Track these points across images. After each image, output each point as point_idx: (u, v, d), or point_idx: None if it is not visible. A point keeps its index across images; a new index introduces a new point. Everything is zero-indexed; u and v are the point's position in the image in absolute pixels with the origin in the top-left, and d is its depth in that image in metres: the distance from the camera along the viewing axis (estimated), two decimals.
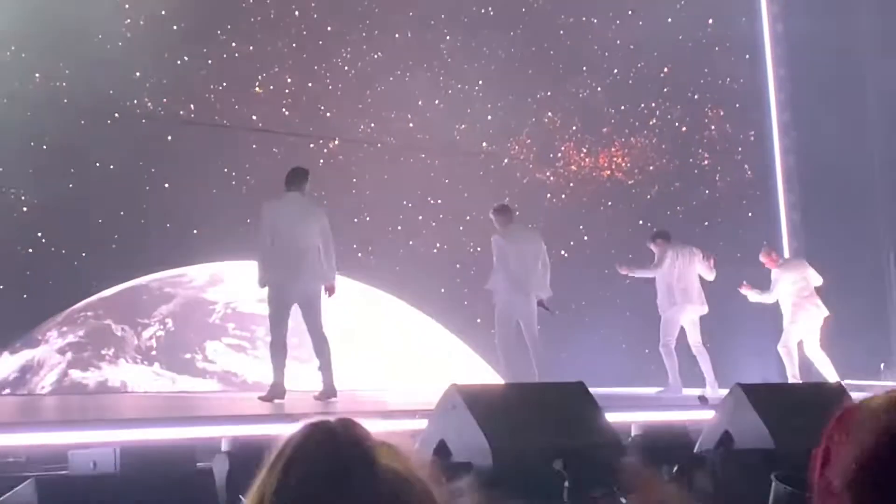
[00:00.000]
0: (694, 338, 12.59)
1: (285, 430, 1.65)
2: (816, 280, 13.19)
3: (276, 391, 9.84)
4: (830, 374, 12.76)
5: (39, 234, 14.06)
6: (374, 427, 1.65)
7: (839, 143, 16.41)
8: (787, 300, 13.16)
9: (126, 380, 14.38)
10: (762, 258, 13.57)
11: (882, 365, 15.83)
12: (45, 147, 14.02)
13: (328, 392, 9.95)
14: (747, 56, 17.67)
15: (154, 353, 14.68)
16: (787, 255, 16.53)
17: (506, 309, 11.56)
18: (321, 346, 10.05)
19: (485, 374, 15.62)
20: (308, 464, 1.59)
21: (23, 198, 14.00)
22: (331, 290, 10.16)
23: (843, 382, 11.23)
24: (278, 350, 9.97)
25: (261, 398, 9.89)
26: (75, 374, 14.33)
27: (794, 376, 12.96)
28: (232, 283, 15.48)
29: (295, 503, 1.56)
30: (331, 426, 1.64)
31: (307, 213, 10.12)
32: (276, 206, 10.08)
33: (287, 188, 10.24)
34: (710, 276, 12.63)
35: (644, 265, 12.89)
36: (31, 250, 13.98)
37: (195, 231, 14.71)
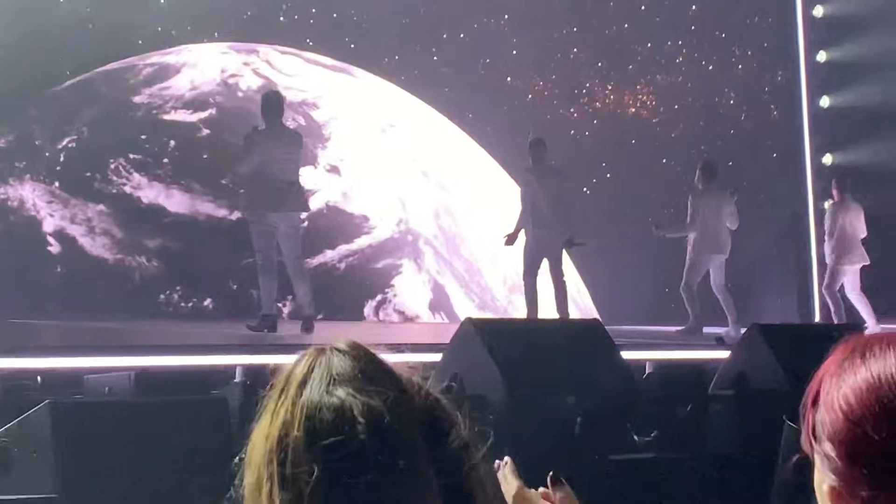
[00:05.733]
0: (718, 280, 12.52)
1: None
2: (863, 230, 13.09)
3: (265, 321, 9.88)
4: (869, 318, 12.71)
5: (58, 169, 14.10)
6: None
7: (868, 85, 16.23)
8: (834, 240, 13.06)
9: (25, 200, 14.06)
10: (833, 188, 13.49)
11: None
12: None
13: (307, 324, 10.03)
14: None
15: (59, 168, 14.29)
16: (811, 200, 16.44)
17: (532, 245, 11.56)
18: (300, 278, 10.17)
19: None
20: (329, 378, 1.53)
21: (38, 142, 14.01)
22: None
23: (879, 328, 11.21)
24: (266, 275, 10.03)
25: (248, 327, 9.97)
26: None
27: (839, 319, 12.91)
28: (174, 80, 15.18)
29: (323, 421, 1.49)
30: (341, 348, 1.57)
31: (290, 145, 10.18)
32: (260, 137, 10.12)
33: (266, 117, 10.25)
34: (734, 226, 12.55)
35: (677, 224, 12.78)
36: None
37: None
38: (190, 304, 14.17)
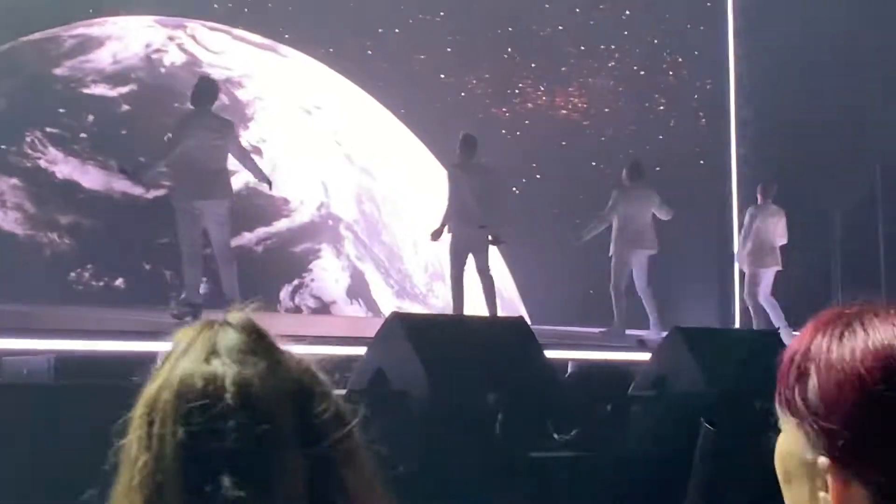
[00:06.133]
0: (641, 280, 12.64)
1: None
2: (783, 236, 13.25)
3: (189, 309, 9.83)
4: (781, 322, 12.87)
5: None
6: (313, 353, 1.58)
7: (795, 98, 16.45)
8: (754, 245, 13.18)
9: None
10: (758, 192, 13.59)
11: None
12: None
13: None
14: (708, 3, 17.64)
15: None
16: (735, 207, 16.64)
17: (458, 241, 11.56)
18: (228, 267, 10.13)
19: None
20: (204, 354, 1.52)
21: None
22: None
23: (791, 333, 11.38)
24: (191, 262, 9.97)
25: (173, 315, 9.90)
26: None
27: (759, 325, 13.08)
28: (96, 53, 14.80)
29: (193, 388, 1.49)
30: (231, 321, 1.56)
31: (219, 133, 10.14)
32: (190, 124, 10.05)
33: (196, 103, 10.21)
34: (668, 217, 12.65)
35: (593, 218, 12.82)
36: None
37: None
38: (101, 284, 13.80)
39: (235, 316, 1.57)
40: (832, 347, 1.40)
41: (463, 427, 6.85)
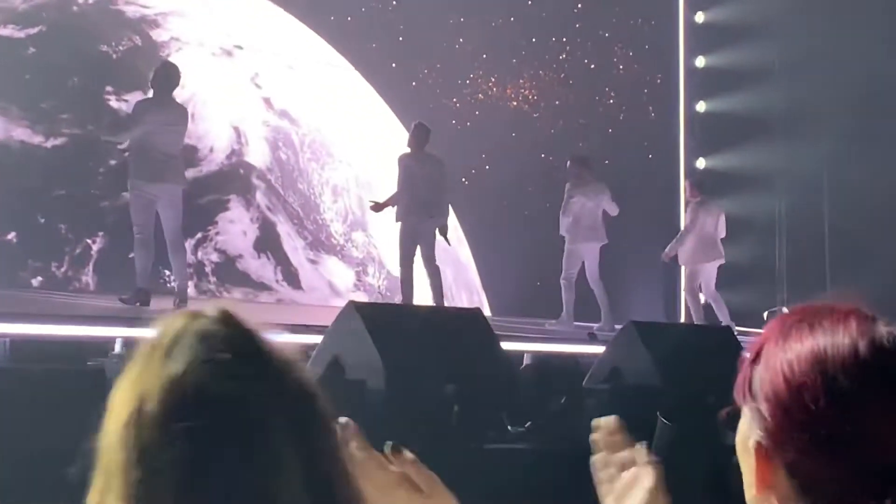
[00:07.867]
0: (594, 272, 12.70)
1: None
2: (723, 230, 13.31)
3: (138, 295, 9.86)
4: (726, 317, 12.97)
5: None
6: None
7: (743, 92, 16.59)
8: (695, 240, 13.19)
9: None
10: (687, 188, 13.71)
11: (766, 314, 16.15)
12: None
13: (181, 297, 10.05)
14: None
15: None
16: (682, 201, 16.74)
17: (407, 231, 11.53)
18: (177, 250, 10.18)
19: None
20: (195, 350, 1.42)
21: None
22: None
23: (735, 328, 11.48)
24: (143, 248, 9.99)
25: (121, 300, 9.94)
26: None
27: (699, 320, 13.12)
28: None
29: (184, 397, 1.40)
30: (211, 313, 1.47)
31: (177, 120, 10.23)
32: (149, 110, 10.06)
33: (157, 91, 10.22)
34: (615, 212, 12.74)
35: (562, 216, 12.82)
36: None
37: None
38: None
39: (214, 308, 1.49)
40: (778, 344, 1.53)
41: (420, 418, 6.84)
